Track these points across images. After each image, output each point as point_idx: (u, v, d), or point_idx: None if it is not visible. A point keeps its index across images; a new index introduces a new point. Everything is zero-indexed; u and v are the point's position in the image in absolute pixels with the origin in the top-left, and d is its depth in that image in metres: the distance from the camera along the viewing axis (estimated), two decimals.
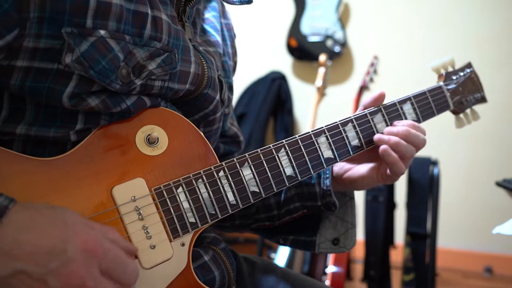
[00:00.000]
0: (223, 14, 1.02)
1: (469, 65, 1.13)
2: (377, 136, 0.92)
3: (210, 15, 0.97)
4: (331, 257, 2.17)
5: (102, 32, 0.68)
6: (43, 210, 0.61)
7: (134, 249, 0.68)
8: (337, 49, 3.32)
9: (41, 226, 0.59)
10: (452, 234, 3.16)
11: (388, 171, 0.92)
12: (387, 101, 0.96)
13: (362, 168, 0.95)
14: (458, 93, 1.07)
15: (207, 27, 0.95)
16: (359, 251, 2.67)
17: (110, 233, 0.65)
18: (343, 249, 0.97)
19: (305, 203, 0.96)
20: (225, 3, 0.95)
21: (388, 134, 0.92)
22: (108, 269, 0.62)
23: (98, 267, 0.61)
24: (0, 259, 0.57)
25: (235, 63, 1.04)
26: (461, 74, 1.10)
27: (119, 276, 0.63)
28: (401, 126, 0.93)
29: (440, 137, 3.09)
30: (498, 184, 1.71)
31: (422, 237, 2.21)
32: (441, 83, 1.05)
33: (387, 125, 0.95)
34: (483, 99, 1.13)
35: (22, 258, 0.57)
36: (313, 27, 3.38)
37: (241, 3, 0.92)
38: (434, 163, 2.27)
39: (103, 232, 0.64)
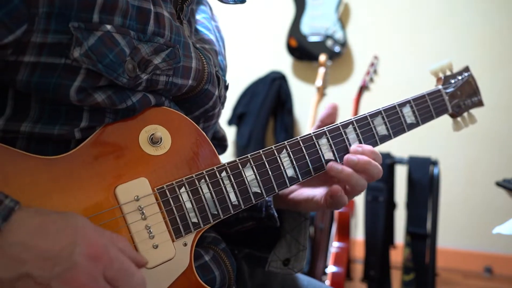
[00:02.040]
0: (212, 16, 1.03)
1: (467, 69, 1.13)
2: (329, 165, 0.88)
3: (200, 17, 0.98)
4: (331, 257, 2.18)
5: (108, 27, 0.69)
6: (54, 216, 0.61)
7: (142, 260, 0.67)
8: (337, 49, 3.32)
9: (51, 231, 0.60)
10: (452, 234, 3.16)
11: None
12: (387, 103, 0.97)
13: (308, 192, 0.91)
14: (456, 96, 1.08)
15: (199, 27, 0.96)
16: (359, 251, 2.68)
17: (119, 241, 0.65)
18: (290, 271, 0.93)
19: (251, 213, 0.94)
20: (219, 2, 0.96)
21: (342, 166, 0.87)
22: (114, 277, 0.61)
23: (102, 275, 0.60)
24: (8, 262, 0.57)
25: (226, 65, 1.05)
26: (459, 77, 1.10)
27: (124, 286, 0.62)
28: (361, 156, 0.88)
29: (441, 137, 3.10)
30: (498, 184, 1.72)
31: (422, 237, 2.21)
32: (440, 87, 1.06)
33: (387, 127, 0.95)
34: (480, 103, 1.14)
35: (29, 262, 0.57)
36: (313, 27, 3.38)
37: (235, 2, 0.92)
38: (434, 163, 2.28)
39: (112, 239, 0.64)
